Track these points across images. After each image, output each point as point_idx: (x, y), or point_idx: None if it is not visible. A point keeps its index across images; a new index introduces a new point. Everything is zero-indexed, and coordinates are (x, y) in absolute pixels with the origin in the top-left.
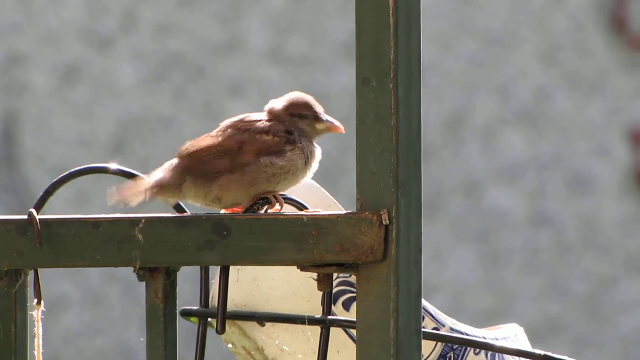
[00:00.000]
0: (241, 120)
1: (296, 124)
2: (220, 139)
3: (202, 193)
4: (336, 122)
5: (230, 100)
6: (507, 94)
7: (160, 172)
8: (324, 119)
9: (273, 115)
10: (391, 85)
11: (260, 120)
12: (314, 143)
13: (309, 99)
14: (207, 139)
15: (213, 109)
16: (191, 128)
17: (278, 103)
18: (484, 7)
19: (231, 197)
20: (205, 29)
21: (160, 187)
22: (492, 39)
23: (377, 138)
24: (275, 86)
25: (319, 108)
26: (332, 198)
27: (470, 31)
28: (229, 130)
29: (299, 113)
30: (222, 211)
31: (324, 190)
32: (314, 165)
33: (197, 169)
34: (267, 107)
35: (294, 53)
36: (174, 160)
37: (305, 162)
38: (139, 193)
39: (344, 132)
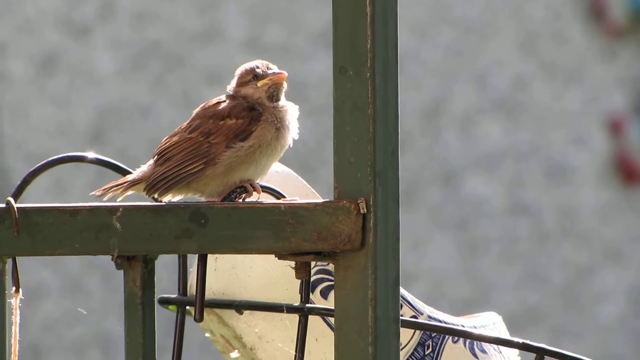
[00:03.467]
0: (204, 108)
1: (245, 95)
2: (187, 132)
3: (184, 189)
4: (277, 71)
5: (208, 88)
6: (484, 83)
7: (144, 168)
8: (265, 73)
9: (233, 95)
10: (368, 74)
11: (220, 103)
12: (282, 104)
13: (250, 64)
14: (177, 135)
15: (191, 97)
16: (169, 116)
17: (232, 83)
18: None
19: (212, 188)
20: (183, 18)
21: (139, 184)
22: (469, 28)
23: (354, 127)
24: None
25: (262, 68)
26: (310, 187)
27: (447, 20)
28: (197, 121)
29: (242, 82)
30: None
31: (301, 179)
32: (290, 128)
33: (173, 172)
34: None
35: (272, 42)
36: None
37: (277, 128)
38: (120, 188)
39: (285, 75)
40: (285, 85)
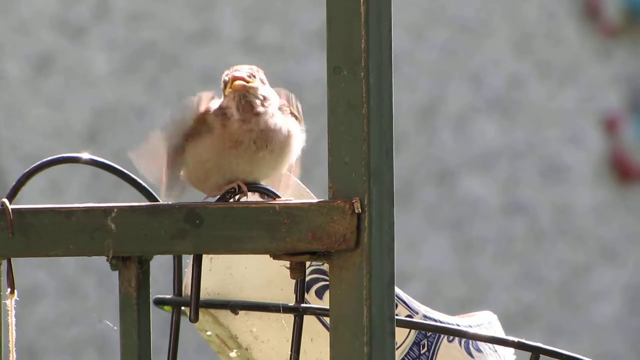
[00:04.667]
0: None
1: (224, 106)
2: None
3: (187, 178)
4: (233, 74)
5: (203, 89)
6: (479, 83)
7: None
8: (226, 79)
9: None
10: (362, 73)
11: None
12: (259, 115)
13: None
14: None
15: (186, 98)
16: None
17: None
18: None
19: (206, 183)
20: (178, 18)
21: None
22: (464, 28)
23: (349, 127)
24: None
25: (230, 73)
26: (305, 187)
27: (442, 20)
28: None
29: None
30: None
31: (295, 178)
32: (249, 143)
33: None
34: None
35: (267, 42)
36: None
37: (232, 141)
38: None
39: (238, 81)
40: (259, 89)
